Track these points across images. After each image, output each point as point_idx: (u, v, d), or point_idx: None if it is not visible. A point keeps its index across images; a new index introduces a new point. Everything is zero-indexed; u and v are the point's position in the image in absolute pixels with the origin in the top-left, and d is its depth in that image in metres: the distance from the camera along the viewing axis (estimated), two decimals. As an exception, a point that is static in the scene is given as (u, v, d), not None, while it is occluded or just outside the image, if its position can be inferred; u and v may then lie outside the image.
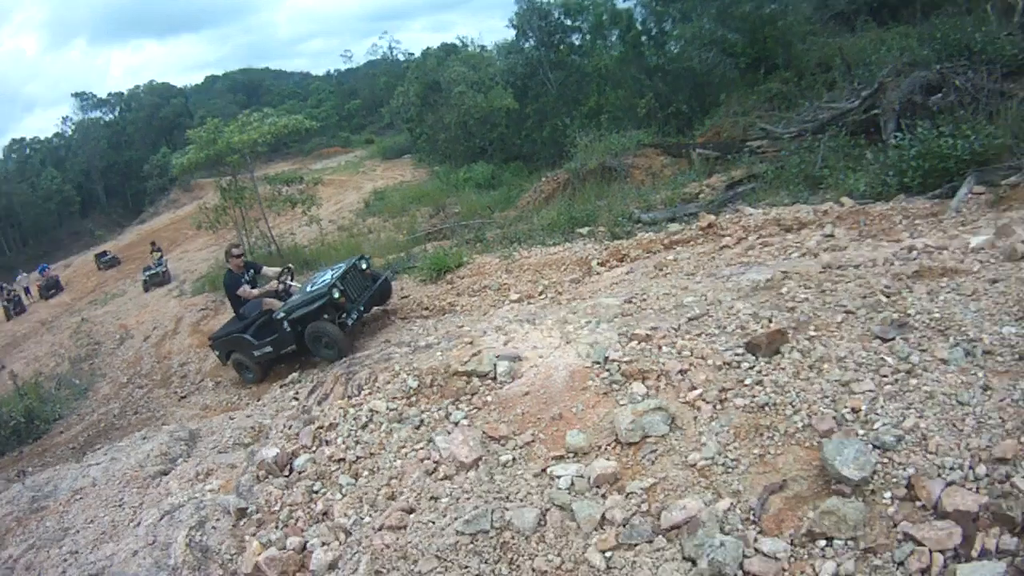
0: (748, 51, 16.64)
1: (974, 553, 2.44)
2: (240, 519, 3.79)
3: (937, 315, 3.61)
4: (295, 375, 8.90)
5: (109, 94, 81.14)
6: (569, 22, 27.64)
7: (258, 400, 8.53)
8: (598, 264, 8.18)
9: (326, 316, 8.56)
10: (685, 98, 18.57)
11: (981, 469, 2.64)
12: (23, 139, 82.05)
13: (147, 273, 25.00)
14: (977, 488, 2.62)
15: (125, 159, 74.01)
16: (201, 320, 16.24)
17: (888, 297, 3.97)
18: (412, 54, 54.63)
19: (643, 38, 20.38)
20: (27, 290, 36.82)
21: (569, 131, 19.27)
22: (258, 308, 9.52)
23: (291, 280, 9.48)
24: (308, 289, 9.12)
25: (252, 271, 9.67)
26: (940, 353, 3.26)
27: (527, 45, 28.69)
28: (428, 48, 43.62)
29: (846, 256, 5.27)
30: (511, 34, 30.01)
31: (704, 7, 18.23)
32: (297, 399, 6.67)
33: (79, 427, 11.95)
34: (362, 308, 9.00)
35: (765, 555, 2.58)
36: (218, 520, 3.89)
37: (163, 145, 66.36)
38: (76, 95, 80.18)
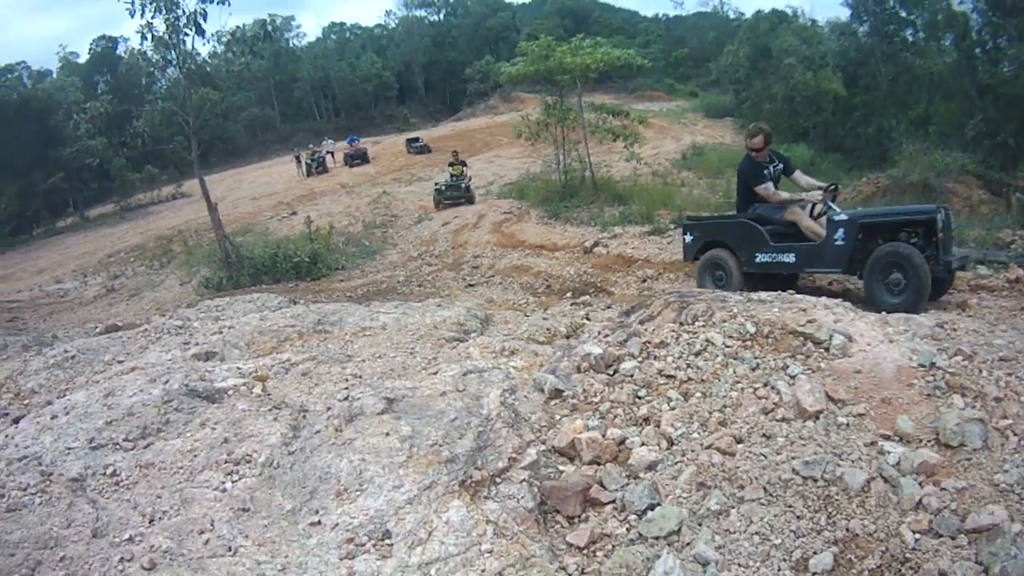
0: (1102, 89, 13.94)
1: None
2: (553, 399, 4.09)
3: None
4: (587, 297, 9.21)
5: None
6: (904, 14, 26.33)
7: (545, 309, 8.71)
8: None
9: (914, 241, 6.62)
10: (1013, 130, 16.76)
11: None
12: (343, 23, 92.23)
13: (436, 186, 21.76)
14: None
15: (448, 59, 79.79)
16: (503, 222, 17.17)
17: None
18: (743, 14, 53.01)
19: (976, 50, 18.66)
20: (331, 154, 42.11)
21: (895, 135, 18.23)
22: (776, 215, 7.58)
23: (833, 202, 7.35)
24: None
25: (780, 166, 7.79)
26: None
27: (861, 30, 27.57)
28: (759, 11, 41.98)
29: None
30: (844, 13, 29.23)
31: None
32: (589, 319, 6.85)
33: (360, 281, 13.25)
34: (960, 261, 6.81)
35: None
36: (528, 394, 4.21)
37: (487, 54, 70.28)
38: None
